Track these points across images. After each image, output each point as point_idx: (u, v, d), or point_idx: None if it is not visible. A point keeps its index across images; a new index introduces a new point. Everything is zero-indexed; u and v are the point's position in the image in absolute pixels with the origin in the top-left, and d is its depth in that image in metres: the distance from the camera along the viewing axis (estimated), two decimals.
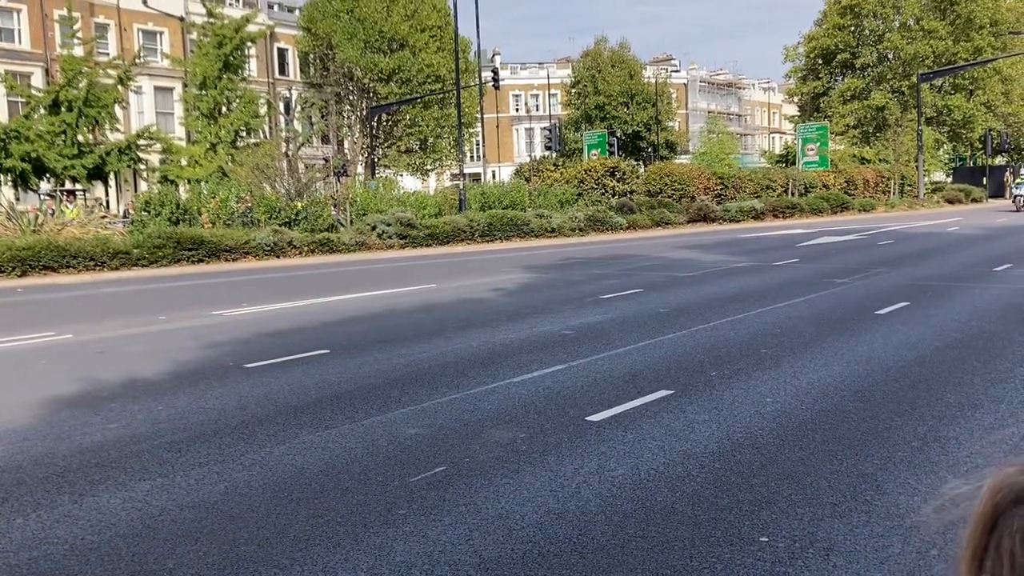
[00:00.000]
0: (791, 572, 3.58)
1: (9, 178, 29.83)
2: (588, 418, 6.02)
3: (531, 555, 3.81)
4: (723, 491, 4.55)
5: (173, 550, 3.98)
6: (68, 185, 31.37)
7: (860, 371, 7.34)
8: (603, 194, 35.55)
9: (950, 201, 48.79)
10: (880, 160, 51.35)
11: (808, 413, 6.05)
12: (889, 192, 46.68)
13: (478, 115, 47.78)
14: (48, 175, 30.52)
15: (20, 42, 40.98)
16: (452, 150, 48.17)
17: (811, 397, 6.49)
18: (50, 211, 23.58)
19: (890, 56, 60.87)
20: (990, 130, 57.32)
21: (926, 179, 50.98)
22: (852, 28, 61.24)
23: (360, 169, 41.33)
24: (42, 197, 30.24)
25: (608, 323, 10.25)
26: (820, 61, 63.33)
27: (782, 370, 7.42)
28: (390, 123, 48.60)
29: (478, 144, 61.11)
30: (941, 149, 62.44)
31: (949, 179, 62.88)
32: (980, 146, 61.19)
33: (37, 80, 38.56)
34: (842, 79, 63.10)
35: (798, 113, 66.89)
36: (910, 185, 48.68)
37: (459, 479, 4.82)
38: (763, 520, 4.14)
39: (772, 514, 4.21)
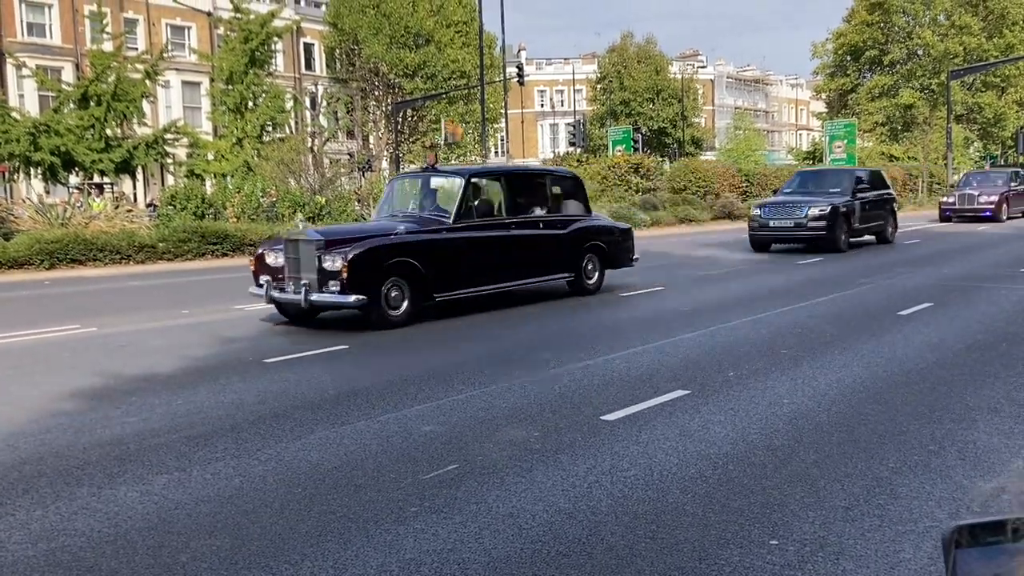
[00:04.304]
0: None
1: (39, 171, 30.23)
2: (603, 417, 6.01)
3: (540, 555, 3.83)
4: (735, 493, 4.54)
5: (187, 544, 4.03)
6: (96, 179, 31.71)
7: (879, 373, 7.28)
8: (627, 190, 35.42)
9: None
10: (909, 158, 50.79)
11: (825, 415, 6.01)
12: (917, 191, 46.16)
13: (503, 111, 47.90)
14: (77, 169, 30.88)
15: (51, 37, 41.52)
16: (476, 146, 48.21)
17: (828, 399, 6.45)
18: (78, 204, 23.86)
19: (920, 53, 60.19)
20: (1021, 128, 56.51)
21: (955, 177, 50.33)
22: (881, 24, 60.59)
23: (385, 164, 41.45)
24: (71, 190, 30.60)
25: (627, 321, 10.23)
26: (848, 58, 62.78)
27: (801, 371, 7.38)
28: (415, 118, 48.74)
29: (502, 140, 61.08)
30: (971, 147, 61.66)
31: None
32: (1012, 144, 60.35)
33: (68, 75, 39.05)
34: (870, 76, 62.49)
35: (826, 110, 66.34)
36: (939, 183, 48.11)
37: (471, 477, 4.84)
38: (774, 522, 4.12)
39: (783, 517, 4.19)
